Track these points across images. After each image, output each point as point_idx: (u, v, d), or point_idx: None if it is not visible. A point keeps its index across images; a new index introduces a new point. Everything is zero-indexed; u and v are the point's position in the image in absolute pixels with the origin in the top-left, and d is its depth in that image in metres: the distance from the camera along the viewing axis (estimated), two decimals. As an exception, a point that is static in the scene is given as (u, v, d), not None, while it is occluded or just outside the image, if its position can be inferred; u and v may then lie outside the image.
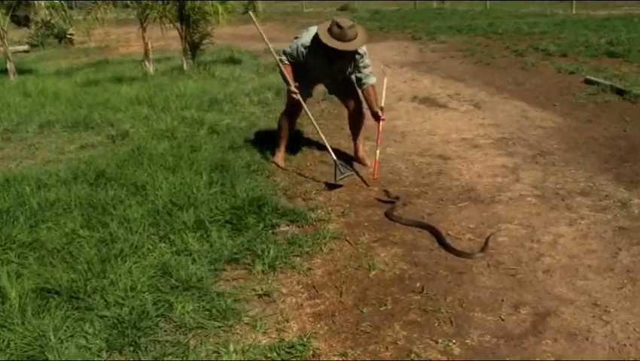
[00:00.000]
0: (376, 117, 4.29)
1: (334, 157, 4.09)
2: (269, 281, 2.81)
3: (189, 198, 3.64)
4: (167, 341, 2.31)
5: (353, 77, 4.38)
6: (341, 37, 3.93)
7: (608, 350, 2.26)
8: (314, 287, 2.78)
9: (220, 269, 2.92)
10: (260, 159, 4.63)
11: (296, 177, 4.31)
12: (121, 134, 5.62)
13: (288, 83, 4.24)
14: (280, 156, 4.58)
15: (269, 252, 2.98)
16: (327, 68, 4.26)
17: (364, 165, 4.59)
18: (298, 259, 3.05)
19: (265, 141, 5.00)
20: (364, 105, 4.49)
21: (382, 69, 4.99)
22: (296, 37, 4.26)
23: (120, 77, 8.87)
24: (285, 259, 2.99)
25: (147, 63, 9.35)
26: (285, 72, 4.23)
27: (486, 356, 2.24)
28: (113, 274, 2.72)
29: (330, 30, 3.98)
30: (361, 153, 4.69)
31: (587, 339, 2.34)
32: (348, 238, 3.29)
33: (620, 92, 6.23)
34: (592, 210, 3.55)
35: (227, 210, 3.48)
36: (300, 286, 2.79)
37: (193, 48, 8.86)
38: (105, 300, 2.56)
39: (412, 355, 2.24)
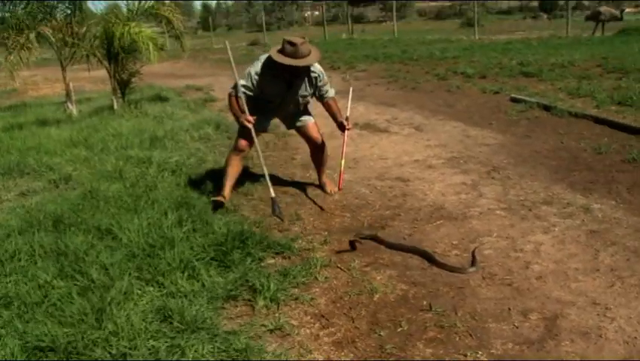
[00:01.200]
0: (342, 127, 4.34)
1: (272, 194, 4.02)
2: (276, 315, 2.71)
3: (163, 238, 3.47)
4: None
5: (312, 98, 4.37)
6: (295, 55, 3.89)
7: (623, 344, 2.37)
8: (323, 316, 2.72)
9: (220, 307, 2.80)
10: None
11: (262, 210, 4.23)
12: (64, 178, 5.29)
13: (240, 113, 4.07)
14: (227, 194, 4.26)
15: (269, 286, 2.89)
16: (285, 92, 4.14)
17: (325, 192, 4.56)
18: (296, 290, 2.98)
19: (220, 176, 4.89)
20: (321, 136, 4.54)
21: (345, 79, 5.12)
22: (248, 68, 4.14)
23: (44, 119, 8.39)
24: (285, 291, 2.92)
25: (69, 105, 8.91)
26: (236, 103, 4.08)
27: (517, 363, 2.28)
28: (111, 324, 2.53)
29: (282, 50, 3.94)
30: (323, 180, 4.66)
31: (600, 336, 2.44)
32: (339, 265, 3.26)
33: (547, 108, 6.68)
34: (560, 217, 3.74)
35: (209, 246, 3.35)
36: (309, 317, 2.72)
37: (122, 87, 8.56)
38: (110, 352, 2.37)
39: (447, 372, 2.24)
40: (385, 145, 6.08)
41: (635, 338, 2.42)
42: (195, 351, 2.38)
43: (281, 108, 4.34)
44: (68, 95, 8.86)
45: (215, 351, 2.39)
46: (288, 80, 4.08)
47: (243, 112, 4.04)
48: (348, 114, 4.47)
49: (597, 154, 5.02)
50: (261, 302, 2.81)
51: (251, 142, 4.19)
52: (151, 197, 4.34)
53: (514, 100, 7.49)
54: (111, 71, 8.19)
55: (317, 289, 2.99)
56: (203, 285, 2.99)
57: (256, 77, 4.06)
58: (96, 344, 2.41)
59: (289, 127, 4.65)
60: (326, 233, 3.75)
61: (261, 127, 4.34)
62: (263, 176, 4.27)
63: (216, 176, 4.96)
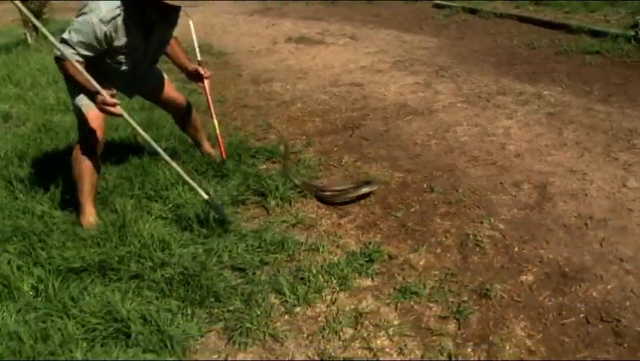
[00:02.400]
0: (198, 75, 3.13)
1: (205, 196, 2.65)
2: (292, 212, 2.81)
3: (150, 156, 3.39)
4: (233, 288, 2.24)
5: None
6: None
7: (605, 200, 2.72)
8: (337, 207, 2.85)
9: (234, 212, 2.84)
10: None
11: (231, 123, 4.20)
12: (3, 116, 4.91)
13: (94, 92, 2.41)
14: (89, 212, 2.76)
15: (276, 186, 2.96)
16: (144, 45, 2.74)
17: (210, 156, 3.41)
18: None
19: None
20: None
21: (185, 13, 2.82)
22: (80, 15, 2.49)
23: None
24: (293, 190, 3.00)
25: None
26: (84, 75, 2.36)
27: (528, 224, 2.55)
28: (136, 239, 2.50)
29: None
30: (206, 148, 3.49)
31: (586, 195, 2.78)
32: (332, 163, 3.37)
33: (472, 12, 6.97)
34: (517, 104, 4.06)
35: (206, 163, 3.31)
36: (324, 210, 2.84)
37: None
38: (146, 264, 2.37)
39: (471, 237, 2.47)
40: (326, 55, 6.12)
41: (614, 193, 2.77)
42: (230, 251, 2.44)
43: (135, 69, 2.82)
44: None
45: (249, 249, 2.47)
46: (148, 25, 2.67)
47: (98, 91, 2.40)
48: (199, 57, 3.56)
49: (531, 49, 5.38)
50: (273, 202, 2.89)
51: (101, 135, 2.70)
52: (112, 122, 4.17)
53: (438, 6, 7.71)
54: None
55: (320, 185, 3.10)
56: (207, 193, 3.00)
57: (103, 29, 2.48)
58: (129, 259, 2.40)
59: (133, 93, 3.19)
60: (304, 137, 3.82)
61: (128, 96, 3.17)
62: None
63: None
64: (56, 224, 2.73)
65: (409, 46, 6.08)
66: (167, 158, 2.60)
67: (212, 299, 2.18)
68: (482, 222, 2.59)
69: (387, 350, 1.89)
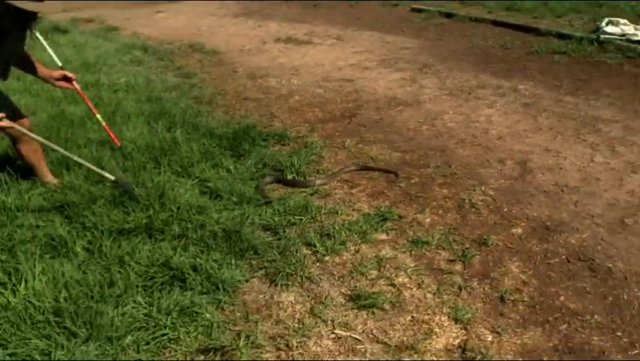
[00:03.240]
0: (65, 79, 3.15)
1: (112, 177, 2.95)
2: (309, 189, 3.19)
3: (165, 140, 3.71)
4: (269, 243, 2.62)
5: None
6: None
7: (577, 172, 3.18)
8: (347, 181, 3.24)
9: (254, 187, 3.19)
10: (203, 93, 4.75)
11: (236, 112, 4.55)
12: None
13: None
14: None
15: (292, 163, 3.33)
16: None
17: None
18: (312, 164, 3.45)
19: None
20: None
21: (31, 31, 2.90)
22: None
23: None
24: (305, 166, 3.37)
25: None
26: None
27: (514, 191, 2.99)
28: (174, 205, 2.84)
29: None
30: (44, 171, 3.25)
31: (561, 169, 3.24)
32: (336, 145, 3.76)
33: (448, 16, 7.48)
34: (496, 96, 4.53)
35: (219, 139, 3.67)
36: (335, 182, 3.23)
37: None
38: (187, 226, 2.72)
39: (466, 201, 2.90)
40: (315, 54, 6.51)
41: (584, 167, 3.24)
42: (259, 215, 2.81)
43: None
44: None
45: (277, 213, 2.83)
46: (3, 33, 2.60)
47: None
48: (59, 63, 3.59)
49: (505, 50, 5.89)
50: (290, 177, 3.26)
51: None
52: (124, 111, 4.47)
53: (416, 10, 8.20)
54: None
55: (327, 164, 3.48)
56: (229, 170, 3.36)
57: None
58: (171, 222, 2.73)
59: None
60: (307, 125, 4.20)
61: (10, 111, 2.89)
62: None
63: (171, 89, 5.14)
64: (97, 196, 3.05)
65: (393, 46, 6.52)
66: (63, 151, 2.99)
67: (251, 252, 2.53)
68: (474, 190, 3.02)
69: (407, 285, 2.29)
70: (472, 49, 6.07)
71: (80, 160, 2.99)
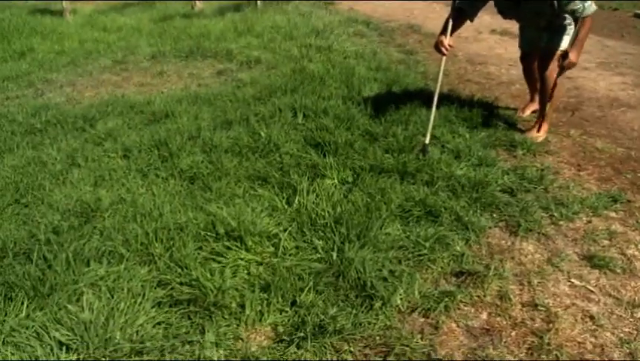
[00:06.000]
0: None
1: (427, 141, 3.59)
2: (537, 159, 3.58)
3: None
4: (508, 202, 3.07)
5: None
6: None
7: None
8: (574, 164, 3.57)
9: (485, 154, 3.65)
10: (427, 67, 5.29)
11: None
12: (254, 61, 6.11)
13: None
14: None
15: (524, 140, 3.74)
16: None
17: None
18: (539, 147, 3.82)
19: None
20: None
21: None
22: None
23: (173, 14, 9.13)
24: (536, 145, 3.75)
25: (197, 1, 9.65)
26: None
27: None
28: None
29: None
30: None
31: None
32: (560, 133, 4.07)
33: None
34: None
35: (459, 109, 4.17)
36: (563, 163, 3.57)
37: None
38: (434, 174, 3.26)
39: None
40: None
41: None
42: (497, 179, 3.26)
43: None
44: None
45: (514, 179, 3.27)
46: None
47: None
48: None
49: None
50: (520, 152, 3.67)
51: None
52: (359, 75, 5.15)
53: (639, 16, 7.97)
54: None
55: (552, 147, 3.82)
56: (464, 137, 3.85)
57: None
58: (422, 170, 3.30)
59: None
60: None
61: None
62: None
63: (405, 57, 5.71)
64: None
65: (612, 50, 6.52)
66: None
67: (493, 207, 3.01)
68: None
69: (638, 256, 2.62)
70: None
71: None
